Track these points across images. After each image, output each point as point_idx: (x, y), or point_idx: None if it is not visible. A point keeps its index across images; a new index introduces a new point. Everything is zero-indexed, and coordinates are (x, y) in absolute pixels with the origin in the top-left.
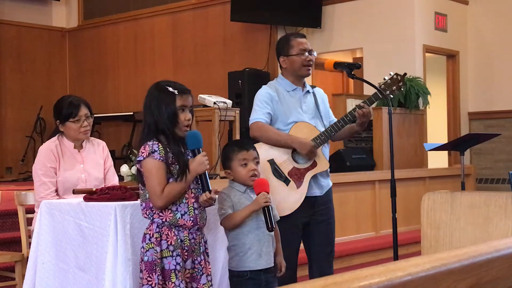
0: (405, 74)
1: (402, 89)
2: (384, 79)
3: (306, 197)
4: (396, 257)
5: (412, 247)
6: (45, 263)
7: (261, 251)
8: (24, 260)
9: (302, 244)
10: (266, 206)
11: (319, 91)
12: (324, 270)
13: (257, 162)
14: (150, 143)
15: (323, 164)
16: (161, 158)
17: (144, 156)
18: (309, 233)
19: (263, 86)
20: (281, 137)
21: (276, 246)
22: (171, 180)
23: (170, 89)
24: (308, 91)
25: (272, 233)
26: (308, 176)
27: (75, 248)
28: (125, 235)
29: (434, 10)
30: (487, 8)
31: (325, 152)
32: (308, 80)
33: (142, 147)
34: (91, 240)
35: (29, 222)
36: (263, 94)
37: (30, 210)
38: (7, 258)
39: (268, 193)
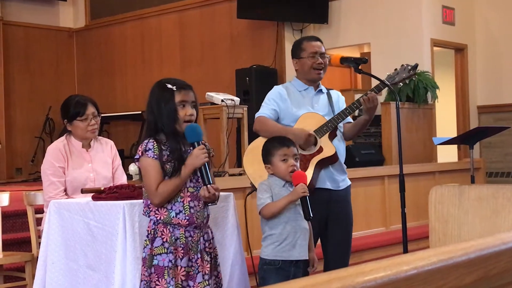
0: (416, 64)
1: (413, 78)
2: (396, 69)
3: (318, 188)
4: (406, 252)
5: (422, 242)
6: (55, 263)
7: (295, 243)
8: (34, 260)
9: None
10: (304, 196)
11: (335, 92)
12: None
13: (297, 159)
14: (145, 141)
15: (328, 149)
16: (155, 156)
17: (140, 155)
18: (326, 231)
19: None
20: (277, 129)
21: (309, 243)
22: (166, 178)
23: (169, 85)
24: (320, 90)
25: (308, 227)
26: (314, 161)
27: (84, 247)
28: (134, 233)
29: (442, 3)
30: (494, 0)
31: (339, 147)
32: None
33: (140, 145)
34: (100, 239)
35: (39, 222)
36: (273, 92)
37: (40, 210)
38: (17, 259)
39: (306, 184)
